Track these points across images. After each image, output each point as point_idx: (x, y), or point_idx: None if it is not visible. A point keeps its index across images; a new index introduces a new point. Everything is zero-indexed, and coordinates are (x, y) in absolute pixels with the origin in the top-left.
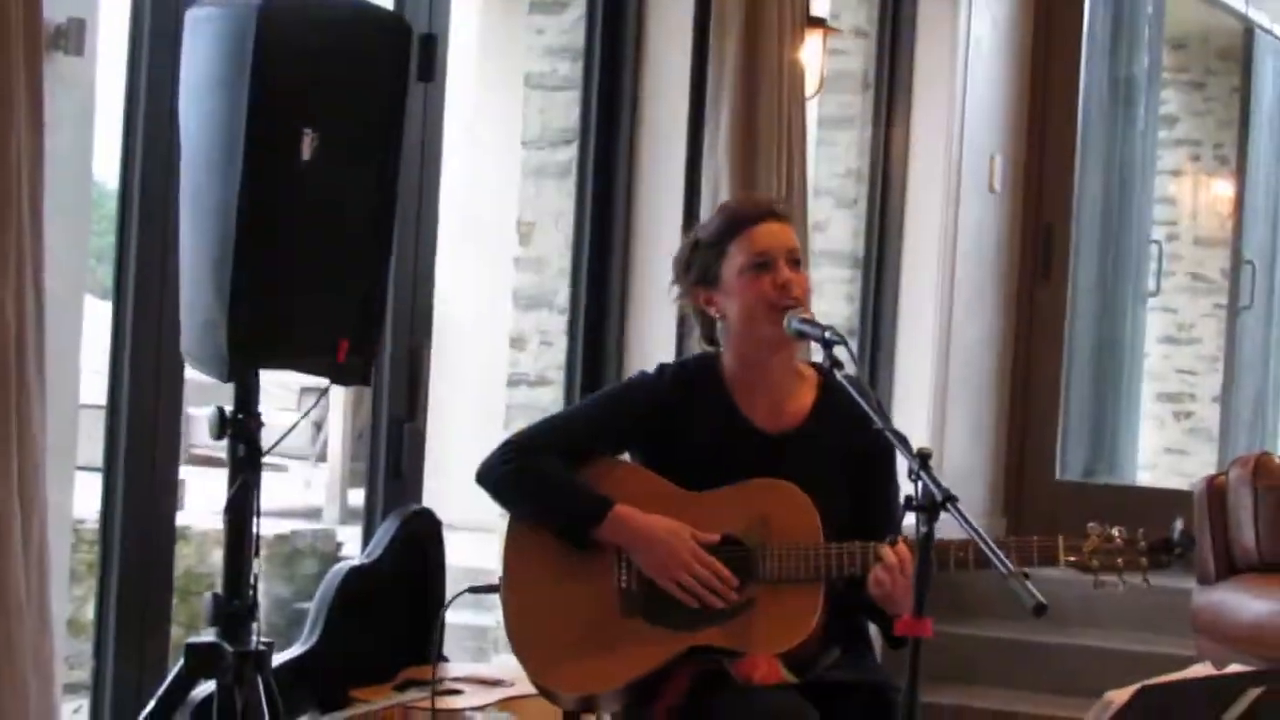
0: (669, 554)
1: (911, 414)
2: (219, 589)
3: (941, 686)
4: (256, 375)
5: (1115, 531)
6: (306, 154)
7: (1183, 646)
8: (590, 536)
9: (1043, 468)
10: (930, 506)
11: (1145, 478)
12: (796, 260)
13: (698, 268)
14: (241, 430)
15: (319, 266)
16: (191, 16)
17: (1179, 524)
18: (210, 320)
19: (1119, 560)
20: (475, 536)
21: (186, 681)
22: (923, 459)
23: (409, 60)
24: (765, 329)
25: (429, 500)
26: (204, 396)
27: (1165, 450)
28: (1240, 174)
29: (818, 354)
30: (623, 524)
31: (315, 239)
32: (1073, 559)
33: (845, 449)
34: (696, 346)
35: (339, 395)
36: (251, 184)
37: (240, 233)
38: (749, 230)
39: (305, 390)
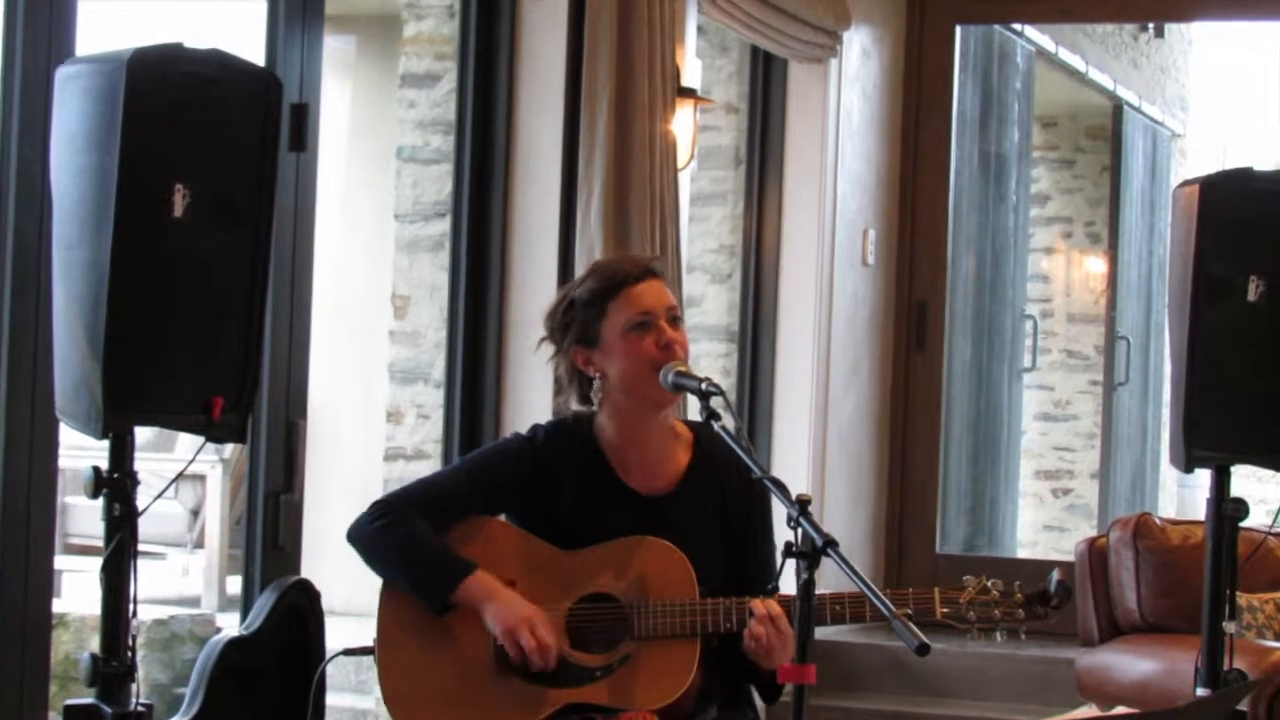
0: (517, 616)
1: (791, 487)
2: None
3: None
4: (131, 433)
5: (991, 583)
6: (178, 210)
7: None
8: (446, 600)
9: (923, 541)
10: (811, 552)
11: (1025, 555)
12: (676, 318)
13: (576, 327)
14: (117, 489)
15: (194, 323)
16: (62, 73)
17: (1055, 575)
18: (84, 376)
19: (996, 612)
20: (356, 622)
21: None
22: (802, 505)
23: (280, 113)
24: (648, 389)
25: (307, 578)
26: (82, 486)
27: (1044, 527)
28: (1112, 251)
29: (694, 409)
30: (479, 586)
31: (189, 295)
32: (948, 611)
33: (721, 508)
34: (565, 404)
35: (216, 482)
36: (124, 238)
37: (113, 287)
38: (629, 290)
39: (182, 477)
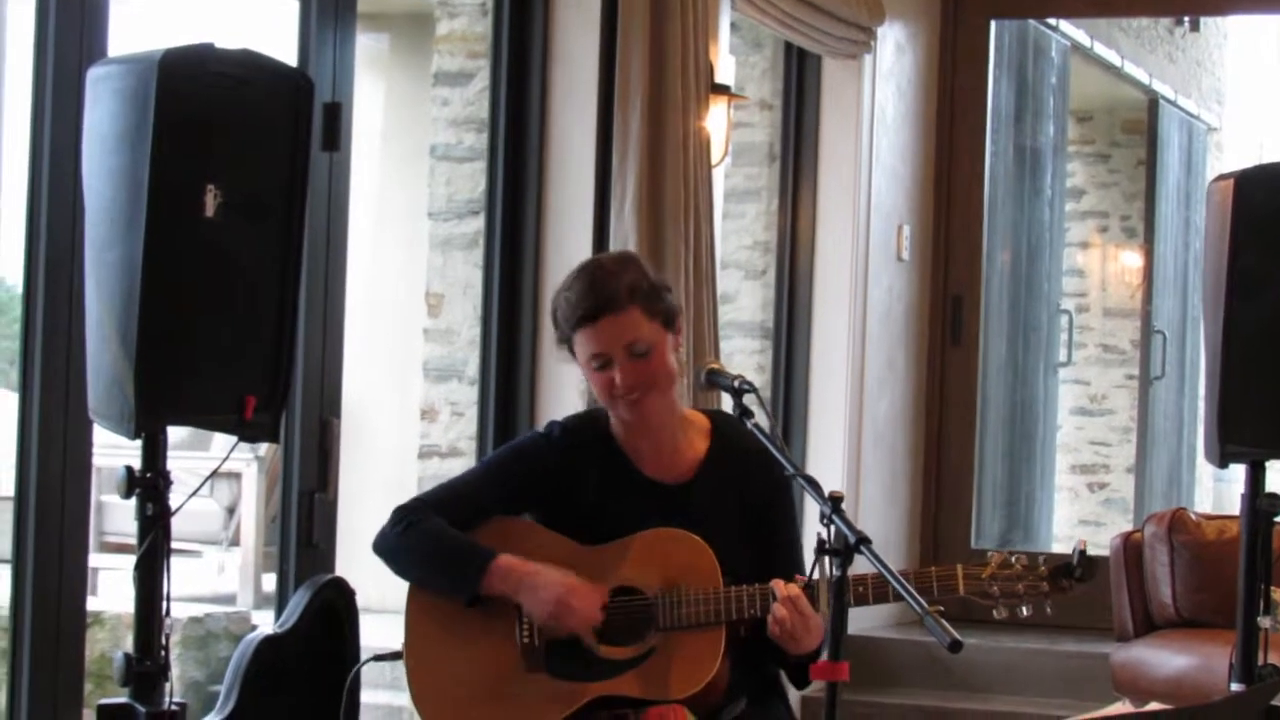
0: (552, 597)
1: (825, 483)
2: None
3: None
4: (164, 433)
5: (1015, 558)
6: (210, 210)
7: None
8: (476, 590)
9: (958, 536)
10: (844, 550)
11: (1060, 550)
12: (639, 351)
13: (559, 336)
14: (149, 489)
15: (225, 323)
16: (93, 74)
17: (1078, 547)
18: (116, 377)
19: (1019, 586)
20: (392, 619)
21: None
22: (835, 503)
23: (311, 113)
24: (617, 412)
25: (342, 575)
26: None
27: (1080, 522)
28: (1148, 245)
29: (727, 403)
30: (508, 572)
31: (221, 296)
32: (973, 586)
33: (742, 495)
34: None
35: (251, 480)
36: (155, 239)
37: (145, 288)
38: (586, 329)
39: (218, 476)
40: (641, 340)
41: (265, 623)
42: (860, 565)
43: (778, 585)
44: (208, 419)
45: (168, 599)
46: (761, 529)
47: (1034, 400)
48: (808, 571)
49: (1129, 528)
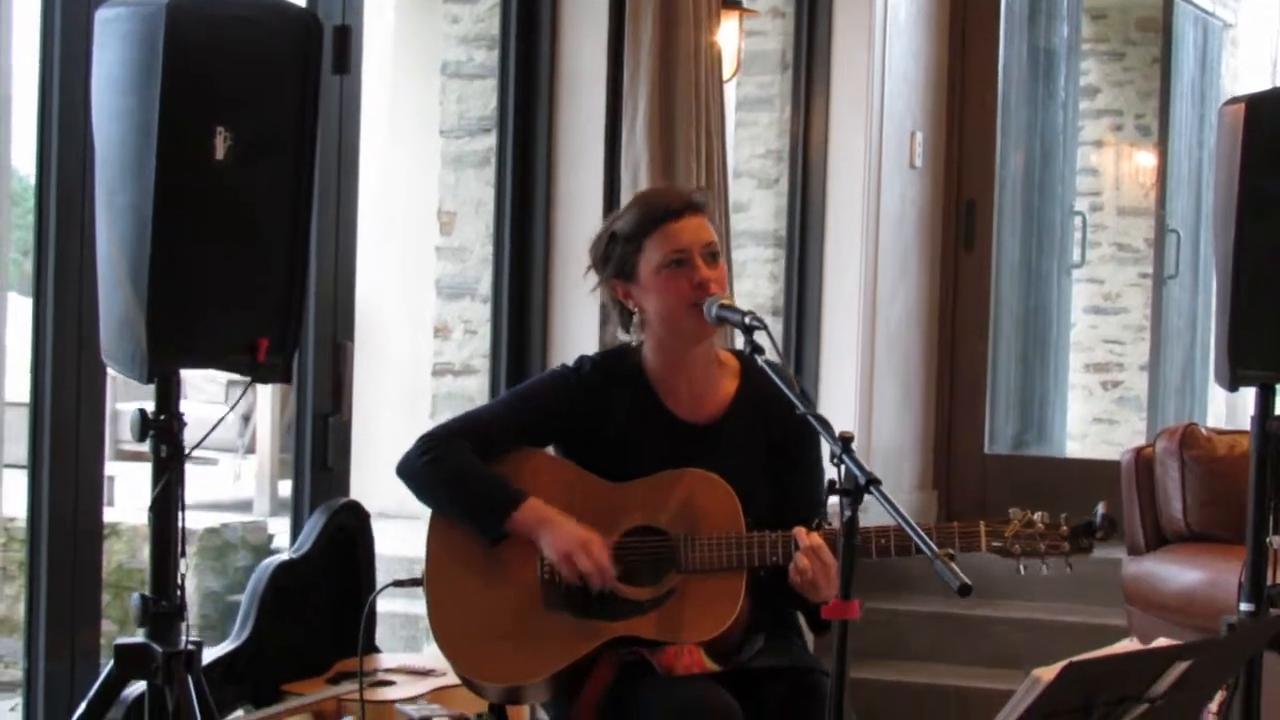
0: (574, 538)
1: (839, 391)
2: (148, 589)
3: (871, 662)
4: (177, 375)
5: (1037, 516)
6: (220, 152)
7: (1113, 617)
8: (501, 530)
9: (972, 441)
10: (854, 490)
11: (1075, 448)
12: (714, 254)
13: (615, 261)
14: (163, 431)
15: (236, 265)
16: (101, 16)
17: (1101, 508)
18: (128, 321)
19: (1041, 545)
20: (405, 525)
21: (117, 682)
22: (845, 443)
23: (320, 55)
24: (684, 325)
25: (357, 490)
26: (132, 393)
27: (1094, 420)
28: (1162, 144)
29: (739, 340)
30: (533, 513)
31: (232, 238)
32: (995, 544)
33: (768, 436)
34: (614, 333)
35: (267, 388)
36: (165, 183)
37: (155, 233)
38: (665, 226)
39: (232, 384)
40: (715, 244)
41: (281, 531)
42: (877, 509)
43: (800, 534)
44: (220, 361)
45: (183, 538)
46: (786, 469)
47: (1047, 302)
48: (826, 514)
49: (1142, 425)
